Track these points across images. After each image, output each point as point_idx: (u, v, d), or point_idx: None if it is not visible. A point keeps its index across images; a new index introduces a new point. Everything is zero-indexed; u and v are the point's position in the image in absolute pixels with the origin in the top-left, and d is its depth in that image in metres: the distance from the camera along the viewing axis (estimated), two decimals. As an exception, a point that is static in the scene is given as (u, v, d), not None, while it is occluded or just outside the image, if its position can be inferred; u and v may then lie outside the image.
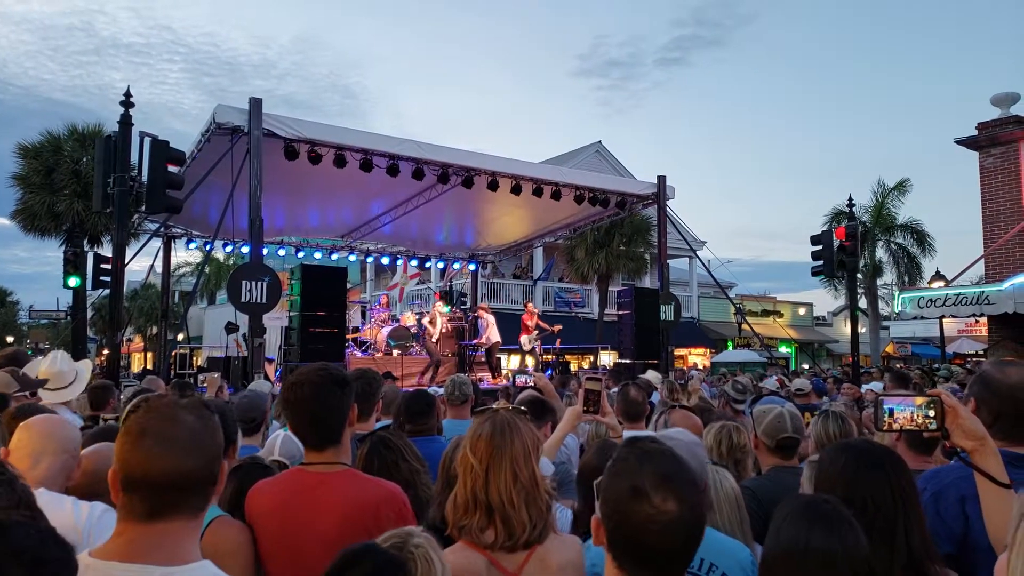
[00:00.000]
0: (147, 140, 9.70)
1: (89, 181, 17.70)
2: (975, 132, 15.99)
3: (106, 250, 19.59)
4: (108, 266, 11.49)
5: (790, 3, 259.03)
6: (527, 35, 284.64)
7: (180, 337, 21.74)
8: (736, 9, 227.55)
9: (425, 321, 15.85)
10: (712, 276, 18.25)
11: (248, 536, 2.26)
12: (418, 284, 26.62)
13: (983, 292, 13.74)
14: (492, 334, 15.71)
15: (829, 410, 3.55)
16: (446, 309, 16.46)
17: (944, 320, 18.63)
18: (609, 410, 3.07)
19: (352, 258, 20.34)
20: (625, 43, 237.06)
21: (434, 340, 15.25)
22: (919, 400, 1.93)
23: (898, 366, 25.15)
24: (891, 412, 1.95)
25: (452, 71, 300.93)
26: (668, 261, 16.12)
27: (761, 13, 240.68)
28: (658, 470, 1.48)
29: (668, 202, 15.43)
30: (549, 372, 14.98)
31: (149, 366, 30.68)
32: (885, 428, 1.97)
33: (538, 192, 13.69)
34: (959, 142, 16.18)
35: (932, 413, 1.90)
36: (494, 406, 2.32)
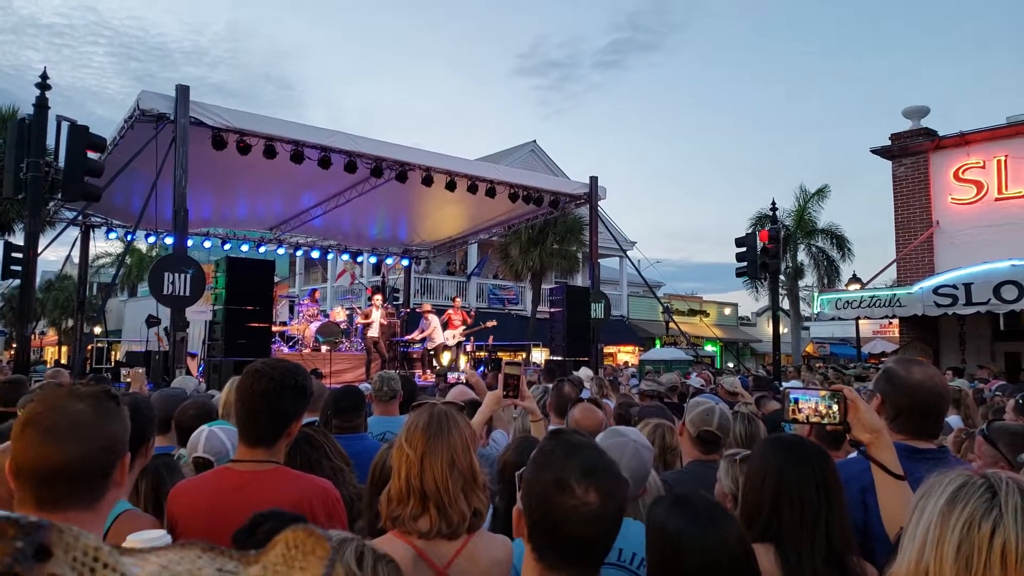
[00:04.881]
0: (65, 124, 9.30)
1: (1, 166, 16.85)
2: (889, 142, 16.75)
3: (18, 238, 18.70)
4: (20, 255, 10.98)
5: (720, 11, 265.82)
6: (468, 31, 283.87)
7: (97, 330, 20.95)
8: (669, 16, 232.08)
9: (358, 319, 15.76)
10: (641, 276, 18.59)
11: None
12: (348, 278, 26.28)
13: (895, 295, 14.39)
14: (437, 335, 15.76)
15: (739, 411, 3.69)
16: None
17: (860, 321, 19.41)
18: (528, 394, 3.10)
19: (281, 251, 19.95)
20: (565, 44, 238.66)
21: (370, 336, 15.18)
22: (823, 392, 2.04)
23: (817, 365, 26.13)
24: (796, 401, 2.05)
25: (391, 64, 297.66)
26: (599, 260, 16.37)
27: (692, 21, 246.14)
28: (583, 463, 1.51)
29: (600, 202, 15.66)
30: (481, 369, 15.03)
31: (63, 360, 29.41)
32: (790, 417, 2.06)
33: (473, 189, 13.70)
34: (874, 151, 16.94)
35: (835, 407, 1.99)
36: (434, 400, 2.32)
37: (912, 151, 16.29)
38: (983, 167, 15.47)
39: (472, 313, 17.51)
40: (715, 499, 1.79)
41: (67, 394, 1.50)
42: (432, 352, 15.91)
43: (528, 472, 1.57)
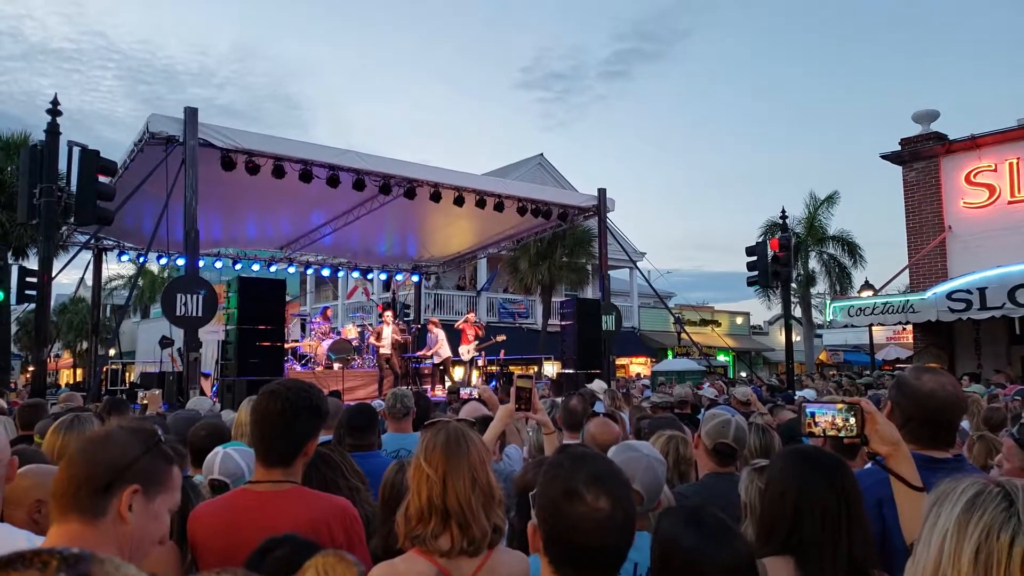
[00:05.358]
0: (76, 150, 9.40)
1: (14, 191, 17.03)
2: (899, 147, 16.68)
3: (32, 263, 18.89)
4: (34, 279, 11.08)
5: (725, 18, 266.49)
6: (471, 47, 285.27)
7: (112, 352, 21.08)
8: (674, 24, 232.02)
9: (370, 337, 15.80)
10: (651, 287, 18.55)
11: (174, 555, 2.20)
12: (362, 294, 26.40)
13: (908, 301, 14.32)
14: (443, 349, 15.74)
15: (753, 423, 3.66)
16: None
17: (873, 328, 19.29)
18: (540, 407, 3.09)
19: (291, 270, 20.00)
20: (567, 56, 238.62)
21: (383, 353, 15.21)
22: (840, 405, 2.02)
23: (831, 373, 25.97)
24: (812, 415, 2.03)
25: (396, 82, 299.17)
26: (609, 272, 16.33)
27: (697, 28, 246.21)
28: (590, 471, 1.56)
29: (608, 214, 15.64)
30: (493, 383, 14.99)
31: (79, 381, 29.58)
32: (807, 431, 2.04)
33: (481, 203, 13.72)
34: (884, 157, 16.86)
35: (852, 420, 1.97)
36: (446, 417, 2.31)
37: (923, 156, 16.22)
38: (995, 170, 15.40)
39: (482, 326, 17.51)
40: (720, 512, 1.77)
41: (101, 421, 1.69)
42: (441, 367, 15.88)
43: (539, 487, 1.61)
